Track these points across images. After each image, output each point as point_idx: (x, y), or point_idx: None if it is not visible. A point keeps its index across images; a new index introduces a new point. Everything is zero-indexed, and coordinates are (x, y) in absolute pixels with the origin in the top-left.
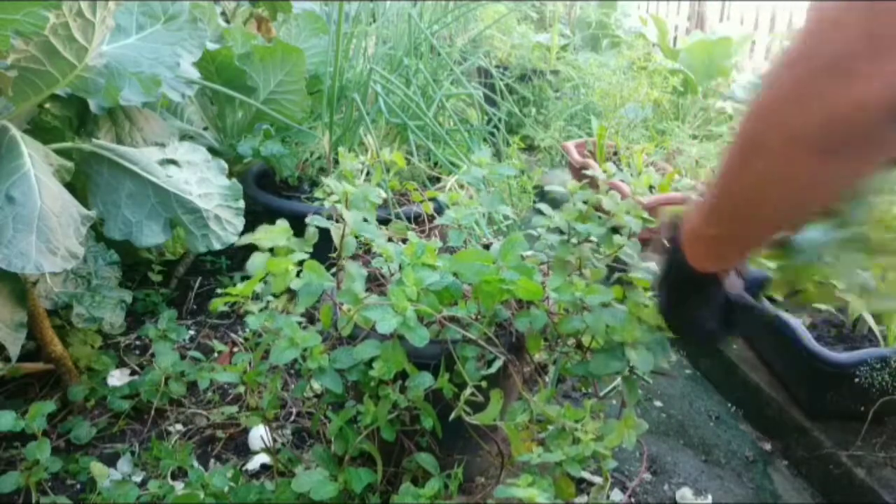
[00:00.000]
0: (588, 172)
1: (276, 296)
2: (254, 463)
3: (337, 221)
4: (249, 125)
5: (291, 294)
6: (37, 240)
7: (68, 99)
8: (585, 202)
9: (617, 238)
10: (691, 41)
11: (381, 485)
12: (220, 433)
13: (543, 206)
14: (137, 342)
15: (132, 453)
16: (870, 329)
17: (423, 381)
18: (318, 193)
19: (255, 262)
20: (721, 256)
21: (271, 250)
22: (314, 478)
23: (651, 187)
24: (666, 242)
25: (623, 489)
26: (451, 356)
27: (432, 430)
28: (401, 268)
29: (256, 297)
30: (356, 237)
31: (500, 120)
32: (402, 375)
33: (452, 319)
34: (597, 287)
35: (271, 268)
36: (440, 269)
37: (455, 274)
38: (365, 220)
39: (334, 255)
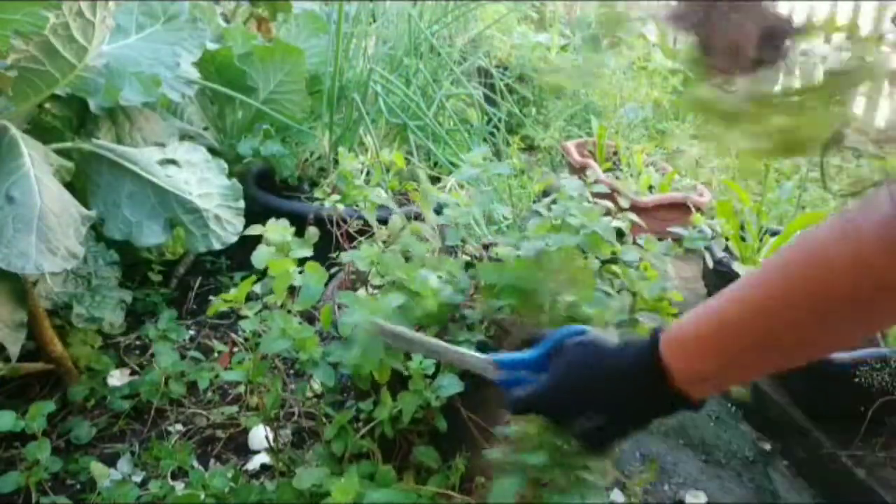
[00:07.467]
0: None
1: (272, 291)
2: (254, 463)
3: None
4: (249, 125)
5: (290, 292)
6: (37, 240)
7: (68, 99)
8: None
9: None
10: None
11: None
12: (220, 433)
13: (541, 208)
14: (137, 342)
15: (132, 453)
16: None
17: (452, 384)
18: (317, 193)
19: (260, 255)
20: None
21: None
22: (315, 474)
23: (651, 187)
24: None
25: (623, 489)
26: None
27: (434, 430)
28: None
29: (255, 297)
30: None
31: (500, 120)
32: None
33: (454, 320)
34: None
35: (273, 268)
36: None
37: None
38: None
39: (335, 255)
